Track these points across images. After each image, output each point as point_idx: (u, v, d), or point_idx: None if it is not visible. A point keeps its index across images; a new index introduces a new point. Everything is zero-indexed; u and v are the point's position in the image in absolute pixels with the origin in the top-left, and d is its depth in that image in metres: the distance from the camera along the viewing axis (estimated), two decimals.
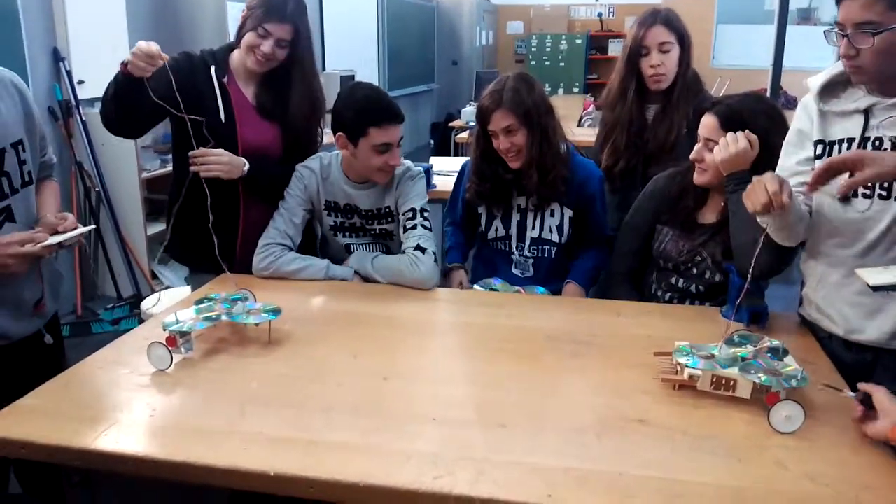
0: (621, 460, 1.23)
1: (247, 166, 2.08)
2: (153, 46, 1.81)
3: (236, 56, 2.11)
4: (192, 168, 2.03)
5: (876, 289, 1.41)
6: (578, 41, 10.42)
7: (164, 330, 1.58)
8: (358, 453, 1.24)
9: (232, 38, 2.13)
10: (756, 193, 1.53)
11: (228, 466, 1.20)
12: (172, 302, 2.84)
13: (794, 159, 1.70)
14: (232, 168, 2.05)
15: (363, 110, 2.01)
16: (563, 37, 10.52)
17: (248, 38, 2.02)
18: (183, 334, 1.59)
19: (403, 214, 2.11)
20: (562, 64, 10.48)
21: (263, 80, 2.13)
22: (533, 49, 10.58)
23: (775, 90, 5.12)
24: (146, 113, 1.97)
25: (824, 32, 1.55)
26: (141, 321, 3.79)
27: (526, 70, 10.57)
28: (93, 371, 1.55)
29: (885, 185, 1.55)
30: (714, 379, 1.43)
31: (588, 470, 1.20)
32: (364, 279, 2.10)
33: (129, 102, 1.92)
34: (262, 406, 1.40)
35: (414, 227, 2.07)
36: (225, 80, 2.09)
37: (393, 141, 2.02)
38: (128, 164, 4.00)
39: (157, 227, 4.29)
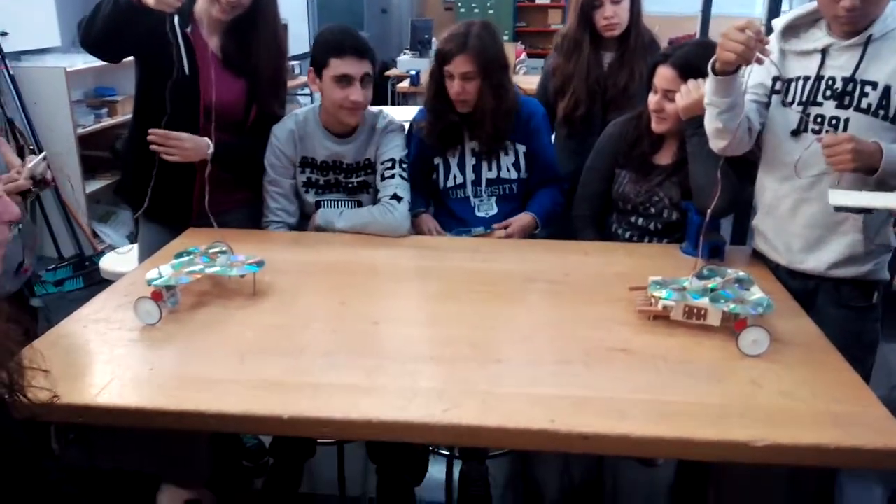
0: (611, 386, 1.33)
1: (211, 148, 2.01)
2: None
3: (199, 4, 2.02)
4: (153, 148, 1.96)
5: (837, 209, 1.54)
6: None
7: (149, 285, 1.57)
8: (365, 393, 1.29)
9: None
10: (730, 44, 1.55)
11: (240, 413, 1.23)
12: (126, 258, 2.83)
13: (752, 81, 1.79)
14: (194, 153, 2.00)
15: (325, 41, 2.02)
16: None
17: None
18: (169, 288, 1.59)
19: (382, 164, 2.12)
20: (490, 11, 10.41)
21: (228, 30, 2.05)
22: None
23: (704, 36, 5.29)
24: (135, 41, 1.91)
25: None
26: (88, 281, 3.72)
27: (455, 18, 10.27)
28: (77, 330, 1.54)
29: (833, 122, 1.68)
30: (686, 309, 1.54)
31: (582, 396, 1.29)
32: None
33: (127, 30, 1.84)
34: (260, 354, 1.43)
35: (392, 176, 2.09)
36: (189, 30, 2.00)
37: (353, 74, 1.99)
38: (62, 120, 3.80)
39: (96, 185, 4.14)
